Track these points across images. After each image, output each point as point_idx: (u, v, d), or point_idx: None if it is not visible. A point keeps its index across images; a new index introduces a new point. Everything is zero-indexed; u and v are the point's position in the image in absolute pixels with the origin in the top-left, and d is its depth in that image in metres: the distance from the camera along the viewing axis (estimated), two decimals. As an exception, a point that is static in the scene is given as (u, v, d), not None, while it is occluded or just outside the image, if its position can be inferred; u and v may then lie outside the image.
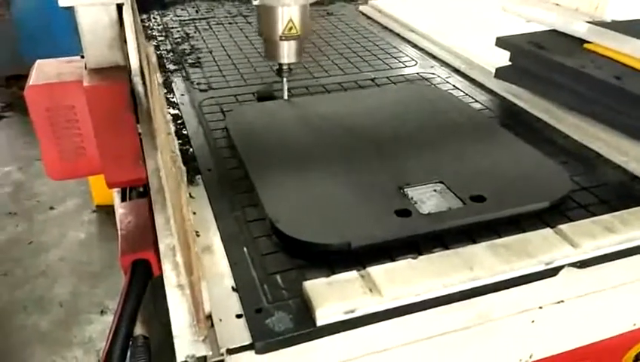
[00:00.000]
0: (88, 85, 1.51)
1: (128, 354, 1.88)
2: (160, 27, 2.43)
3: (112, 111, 1.54)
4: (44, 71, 1.67)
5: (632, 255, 1.12)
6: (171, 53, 2.12)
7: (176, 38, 2.28)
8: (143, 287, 1.94)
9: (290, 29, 1.47)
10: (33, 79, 1.62)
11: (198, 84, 1.85)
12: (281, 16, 1.46)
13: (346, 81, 1.87)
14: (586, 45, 1.65)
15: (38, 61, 1.71)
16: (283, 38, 1.48)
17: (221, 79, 1.88)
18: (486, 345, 1.15)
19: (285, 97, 1.64)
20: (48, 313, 2.26)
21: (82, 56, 1.71)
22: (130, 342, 1.90)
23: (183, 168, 0.80)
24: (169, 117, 1.02)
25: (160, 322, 2.01)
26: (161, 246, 1.20)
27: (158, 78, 1.11)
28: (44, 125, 1.59)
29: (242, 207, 1.23)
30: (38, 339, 2.13)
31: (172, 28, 2.40)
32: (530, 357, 1.24)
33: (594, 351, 1.37)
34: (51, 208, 2.97)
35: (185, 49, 2.16)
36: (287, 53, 1.52)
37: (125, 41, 1.63)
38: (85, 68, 1.63)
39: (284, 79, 1.61)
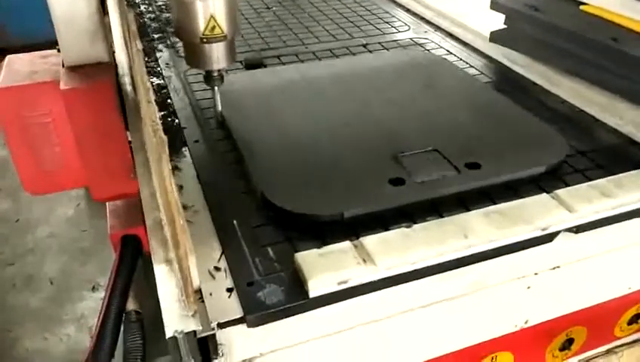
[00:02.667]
0: (66, 88, 1.31)
1: (121, 329, 1.88)
2: (143, -6, 2.35)
3: (95, 117, 1.34)
4: (14, 69, 1.45)
5: (627, 219, 1.11)
6: (155, 22, 2.05)
7: (159, 6, 2.20)
8: (134, 262, 1.92)
9: (214, 28, 1.17)
10: (1, 80, 1.41)
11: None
12: (200, 12, 1.15)
13: (337, 48, 1.82)
14: (582, 7, 1.61)
15: (9, 57, 1.50)
16: (205, 40, 1.18)
17: (207, 47, 1.83)
18: (481, 312, 1.14)
19: (219, 109, 1.36)
20: (39, 290, 2.24)
21: (59, 50, 1.48)
22: (123, 317, 1.90)
23: (164, 138, 0.77)
24: (148, 85, 0.97)
25: (152, 296, 2.00)
26: (148, 221, 1.17)
27: (138, 44, 1.06)
28: (16, 133, 1.39)
29: (231, 178, 1.20)
30: (30, 317, 2.12)
31: (155, -3, 2.32)
32: (526, 322, 1.24)
33: (589, 315, 1.37)
34: (37, 184, 2.92)
35: (169, 17, 2.09)
36: (213, 57, 1.22)
37: (110, 33, 1.44)
38: (62, 65, 1.42)
39: (216, 88, 1.32)
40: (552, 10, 1.59)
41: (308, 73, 1.61)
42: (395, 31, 1.96)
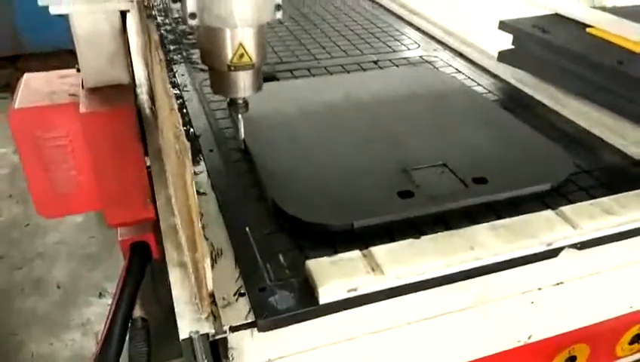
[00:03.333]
0: (86, 111, 1.28)
1: (127, 336, 1.89)
2: (160, 7, 2.41)
3: (114, 141, 1.31)
4: (32, 89, 1.41)
5: (629, 237, 1.13)
6: (171, 34, 2.10)
7: (176, 18, 2.26)
8: (142, 269, 1.94)
9: (242, 56, 1.15)
10: (19, 100, 1.37)
11: (198, 64, 1.83)
12: (228, 40, 1.13)
13: (348, 63, 1.86)
14: (588, 30, 1.65)
15: (26, 75, 1.47)
16: (232, 68, 1.16)
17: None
18: (485, 326, 1.16)
19: (242, 137, 1.33)
20: (46, 295, 2.26)
21: (78, 70, 1.46)
22: (130, 324, 1.91)
23: (187, 144, 0.80)
24: (172, 92, 1.00)
25: (159, 304, 2.02)
26: (163, 226, 1.20)
27: (160, 54, 1.10)
28: (32, 155, 1.35)
29: (245, 187, 1.23)
30: (36, 321, 2.14)
31: (172, 8, 2.38)
32: (529, 338, 1.25)
33: (591, 333, 1.38)
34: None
35: (185, 29, 2.15)
36: (240, 85, 1.20)
37: (130, 55, 1.41)
38: (82, 86, 1.39)
39: (240, 116, 1.29)
40: (558, 32, 1.64)
41: (320, 87, 1.66)
42: (405, 48, 2.01)
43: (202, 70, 1.78)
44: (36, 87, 1.41)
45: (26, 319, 2.14)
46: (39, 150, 1.35)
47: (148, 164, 1.39)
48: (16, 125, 1.31)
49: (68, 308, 2.19)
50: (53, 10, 1.25)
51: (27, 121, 1.32)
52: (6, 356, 2.01)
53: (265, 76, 1.74)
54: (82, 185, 1.42)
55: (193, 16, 1.10)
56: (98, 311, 2.17)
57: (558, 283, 1.17)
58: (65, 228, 2.65)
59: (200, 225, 0.84)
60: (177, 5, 1.12)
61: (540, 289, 1.16)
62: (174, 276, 1.04)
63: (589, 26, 1.66)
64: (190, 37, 2.06)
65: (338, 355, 1.04)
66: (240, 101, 1.24)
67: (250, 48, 1.15)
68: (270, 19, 1.15)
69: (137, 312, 1.90)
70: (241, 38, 1.13)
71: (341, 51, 1.96)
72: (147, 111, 1.40)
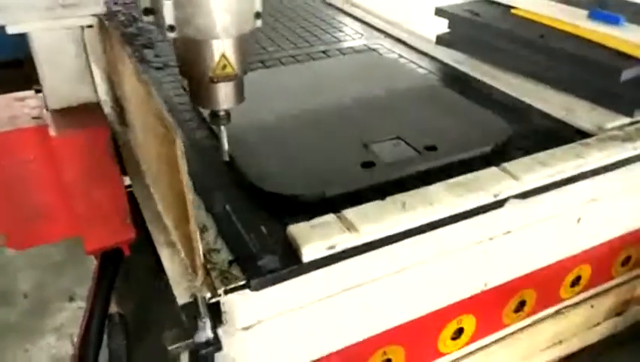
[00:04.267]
0: (58, 135, 1.23)
1: (105, 331, 1.93)
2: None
3: (90, 163, 1.27)
4: None
5: (563, 185, 1.30)
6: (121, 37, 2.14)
7: (122, 21, 2.29)
8: (116, 266, 1.98)
9: (224, 67, 1.12)
10: None
11: (153, 63, 1.89)
12: (210, 52, 1.10)
13: (298, 54, 1.97)
14: (513, 11, 1.84)
15: None
16: (215, 79, 1.13)
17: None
18: (448, 276, 1.31)
19: (225, 147, 1.26)
20: (15, 305, 2.25)
21: (37, 91, 1.41)
22: (107, 320, 1.95)
23: (171, 120, 0.88)
24: (146, 78, 1.07)
25: (134, 299, 2.07)
26: (146, 214, 1.27)
27: (128, 50, 1.16)
28: (1, 185, 1.29)
29: (219, 171, 1.32)
30: (9, 330, 2.13)
31: (116, 11, 2.41)
32: (485, 285, 1.41)
33: (537, 278, 1.56)
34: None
35: (132, 32, 2.19)
36: (222, 96, 1.16)
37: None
38: (46, 108, 1.34)
39: (222, 127, 1.23)
40: (487, 15, 1.81)
41: (277, 77, 1.76)
42: (350, 38, 2.14)
43: (157, 69, 1.85)
44: None
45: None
46: (4, 178, 1.28)
47: (126, 183, 1.34)
48: None
49: (40, 314, 2.19)
50: (11, 30, 1.19)
51: None
52: (-19, 368, 2.00)
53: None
54: (54, 212, 1.35)
55: (172, 28, 1.06)
56: (70, 315, 2.18)
57: (506, 233, 1.33)
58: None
59: (191, 197, 0.92)
60: (150, 18, 1.09)
61: (491, 238, 1.31)
62: (165, 254, 1.12)
63: (513, 7, 1.85)
64: (139, 38, 2.11)
65: (321, 313, 1.15)
66: (222, 113, 1.20)
67: (233, 59, 1.12)
68: (251, 28, 1.12)
69: (114, 308, 1.95)
70: (222, 48, 1.10)
71: (291, 43, 2.07)
72: (115, 126, 1.33)
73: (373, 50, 2.02)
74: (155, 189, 1.24)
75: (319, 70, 1.81)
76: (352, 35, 2.16)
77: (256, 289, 1.01)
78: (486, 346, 1.65)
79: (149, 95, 1.01)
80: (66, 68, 1.30)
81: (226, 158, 1.26)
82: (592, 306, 1.83)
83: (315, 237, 1.05)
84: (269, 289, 1.03)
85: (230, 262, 1.05)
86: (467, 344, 1.59)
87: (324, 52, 1.99)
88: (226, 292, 0.99)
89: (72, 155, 1.26)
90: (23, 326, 2.15)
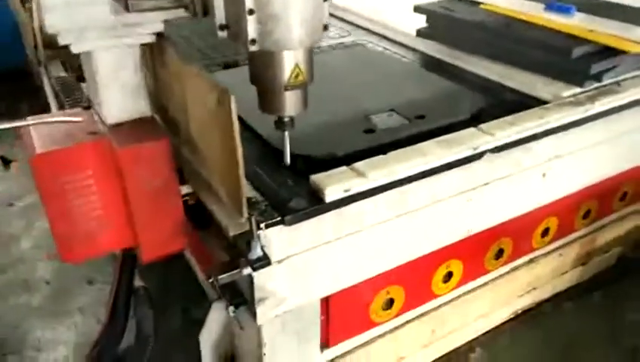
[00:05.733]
0: (126, 149, 1.26)
1: (132, 302, 2.13)
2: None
3: (153, 176, 1.30)
4: (46, 133, 1.35)
5: (529, 141, 1.58)
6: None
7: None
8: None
9: (297, 76, 1.22)
10: (38, 144, 1.30)
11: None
12: (286, 62, 1.20)
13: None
14: (481, 6, 2.13)
15: (29, 118, 1.40)
16: (288, 87, 1.23)
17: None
18: (439, 222, 1.56)
19: (288, 153, 1.38)
20: (38, 291, 2.41)
21: (87, 107, 1.48)
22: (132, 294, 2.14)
23: (224, 86, 1.10)
24: (195, 65, 1.28)
25: (157, 274, 2.27)
26: (194, 185, 1.47)
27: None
28: (58, 200, 1.31)
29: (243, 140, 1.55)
30: (34, 314, 2.28)
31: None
32: (469, 231, 1.67)
33: (512, 227, 1.84)
34: (10, 205, 3.06)
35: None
36: (292, 103, 1.27)
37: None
38: (102, 123, 1.38)
39: (286, 133, 1.34)
40: (460, 10, 2.11)
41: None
42: (338, 36, 2.41)
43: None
44: (49, 131, 1.35)
45: (23, 313, 2.28)
46: (65, 195, 1.30)
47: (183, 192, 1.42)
48: (39, 172, 1.26)
49: (62, 298, 2.35)
50: (76, 49, 1.24)
51: (52, 165, 1.27)
52: (15, 345, 2.17)
53: (228, 63, 2.08)
54: (111, 224, 1.38)
55: (253, 42, 1.14)
56: (92, 297, 2.35)
57: (485, 183, 1.59)
58: (37, 234, 2.78)
59: (241, 150, 1.15)
60: (224, 33, 1.21)
61: (473, 188, 1.58)
62: (214, 207, 1.34)
63: (482, 3, 2.15)
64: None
65: (338, 252, 1.39)
66: (287, 119, 1.30)
67: (304, 67, 1.23)
68: (320, 39, 1.23)
69: (138, 282, 2.14)
70: (297, 59, 1.20)
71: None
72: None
73: (362, 45, 2.29)
74: (199, 157, 1.44)
75: (318, 62, 2.07)
76: (340, 33, 2.43)
77: (290, 223, 1.25)
78: (472, 290, 1.92)
79: (197, 75, 1.23)
80: (125, 84, 1.34)
81: (288, 162, 1.38)
82: (560, 255, 2.13)
83: (334, 182, 1.30)
84: (299, 225, 1.28)
85: (266, 206, 1.29)
86: (456, 287, 1.86)
87: (317, 47, 2.26)
88: (267, 226, 1.23)
89: (134, 168, 1.28)
90: (47, 308, 2.32)
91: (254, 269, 1.21)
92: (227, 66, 2.07)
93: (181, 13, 1.35)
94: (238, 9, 1.13)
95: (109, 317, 2.08)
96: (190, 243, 1.54)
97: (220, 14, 1.19)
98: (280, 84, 1.22)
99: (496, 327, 2.12)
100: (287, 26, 1.14)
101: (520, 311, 2.17)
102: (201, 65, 1.34)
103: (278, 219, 1.25)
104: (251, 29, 1.13)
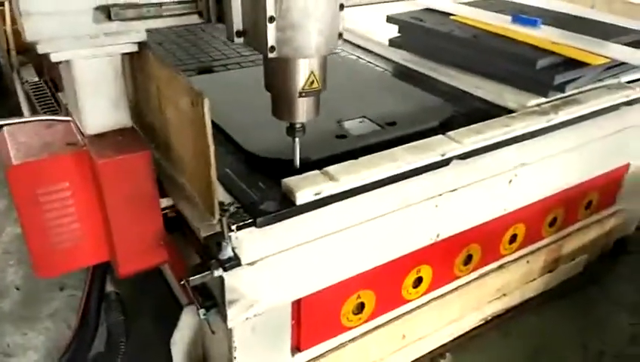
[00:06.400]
0: (105, 160, 1.23)
1: (103, 308, 2.11)
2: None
3: (132, 188, 1.28)
4: (22, 142, 1.31)
5: (495, 149, 1.63)
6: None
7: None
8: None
9: (312, 83, 1.26)
10: (14, 155, 1.26)
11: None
12: (301, 69, 1.24)
13: (271, 58, 2.26)
14: (451, 17, 2.20)
15: (6, 129, 1.36)
16: (303, 94, 1.27)
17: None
18: (408, 226, 1.59)
19: (297, 158, 1.41)
20: (8, 296, 2.38)
21: (68, 116, 1.46)
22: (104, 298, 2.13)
23: (198, 88, 1.13)
24: (174, 67, 1.29)
25: (129, 279, 2.26)
26: (168, 186, 1.48)
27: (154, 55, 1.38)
28: (34, 212, 1.27)
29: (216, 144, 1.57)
30: (4, 319, 2.25)
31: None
32: (438, 236, 1.71)
33: (480, 234, 1.88)
34: (-21, 212, 3.01)
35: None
36: (305, 110, 1.31)
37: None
38: (80, 133, 1.35)
39: (297, 139, 1.37)
40: (431, 21, 2.16)
41: (253, 74, 2.04)
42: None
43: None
44: (26, 139, 1.32)
45: (-9, 319, 2.26)
46: (41, 206, 1.27)
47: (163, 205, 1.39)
48: (15, 183, 1.23)
49: (33, 303, 2.32)
50: (55, 58, 1.22)
51: (28, 177, 1.24)
52: (-18, 352, 2.13)
53: (203, 69, 2.11)
54: (87, 238, 1.36)
55: (272, 49, 1.17)
56: (63, 302, 2.32)
57: (453, 190, 1.64)
58: (7, 239, 2.74)
59: (213, 151, 1.17)
60: (240, 40, 1.23)
61: (440, 195, 1.62)
62: (185, 208, 1.36)
63: (452, 15, 2.21)
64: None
65: (309, 255, 1.41)
66: (298, 125, 1.34)
67: (319, 75, 1.27)
68: (335, 47, 1.26)
69: (110, 287, 2.13)
70: (312, 66, 1.24)
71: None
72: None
73: (336, 53, 2.33)
74: (175, 160, 1.45)
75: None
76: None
77: (261, 225, 1.27)
78: (442, 296, 1.96)
79: (175, 76, 1.25)
80: (105, 94, 1.31)
81: (297, 166, 1.40)
82: (527, 262, 2.18)
83: (305, 185, 1.32)
84: (270, 228, 1.29)
85: (238, 208, 1.31)
86: (426, 292, 1.89)
87: (292, 55, 2.29)
88: (238, 228, 1.25)
89: (114, 180, 1.25)
90: (18, 314, 2.29)
91: (225, 270, 1.22)
92: (201, 72, 2.10)
93: (194, 19, 1.35)
94: (258, 16, 1.16)
95: (80, 322, 2.06)
96: (167, 247, 1.55)
97: (237, 21, 1.22)
98: (295, 90, 1.26)
99: (467, 333, 2.15)
100: (306, 34, 1.17)
101: (490, 317, 2.21)
102: (177, 69, 1.34)
103: (250, 221, 1.27)
104: (271, 36, 1.16)
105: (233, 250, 1.23)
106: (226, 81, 1.97)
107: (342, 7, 1.22)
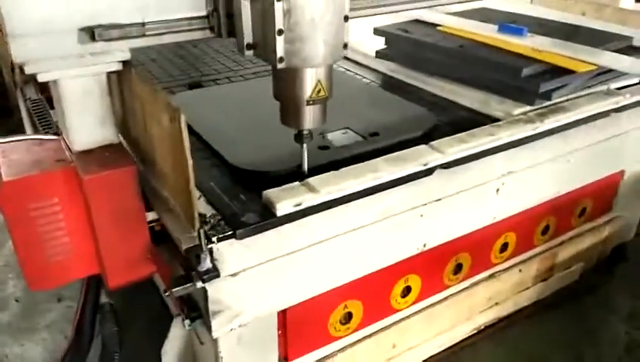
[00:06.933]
0: (90, 176, 1.27)
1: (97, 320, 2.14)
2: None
3: (118, 203, 1.32)
4: (14, 160, 1.35)
5: (480, 158, 1.63)
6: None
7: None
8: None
9: (319, 91, 1.32)
10: (5, 171, 1.30)
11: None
12: (308, 78, 1.30)
13: (260, 71, 2.29)
14: (438, 28, 2.22)
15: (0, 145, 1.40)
16: (310, 102, 1.33)
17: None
18: (393, 235, 1.60)
19: (306, 165, 1.46)
20: (7, 309, 2.42)
21: (56, 133, 1.50)
22: (98, 310, 2.16)
23: (176, 105, 1.15)
24: (156, 86, 1.32)
25: (122, 289, 2.28)
26: (153, 200, 1.50)
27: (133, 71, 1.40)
28: (25, 227, 1.31)
29: (199, 158, 1.59)
30: (4, 331, 2.29)
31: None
32: (424, 246, 1.71)
33: (470, 242, 1.88)
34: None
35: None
36: (312, 117, 1.37)
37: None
38: (69, 150, 1.38)
39: (304, 145, 1.42)
40: (417, 32, 2.18)
41: (245, 89, 2.07)
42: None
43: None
44: (17, 157, 1.36)
45: (-8, 330, 2.29)
46: (32, 222, 1.30)
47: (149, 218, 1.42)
48: (6, 199, 1.27)
49: (31, 315, 2.35)
50: (42, 78, 1.25)
51: (20, 193, 1.28)
52: (-20, 363, 2.16)
53: (193, 84, 2.14)
54: (78, 251, 1.40)
55: (281, 60, 1.24)
56: (60, 314, 2.35)
57: (437, 199, 1.65)
58: (7, 253, 2.78)
59: (192, 165, 1.19)
60: (250, 52, 1.30)
61: (425, 204, 1.62)
62: (167, 219, 1.38)
63: (439, 25, 2.23)
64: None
65: (292, 265, 1.43)
66: (306, 132, 1.39)
67: (326, 84, 1.33)
68: (341, 57, 1.33)
69: (104, 299, 2.16)
70: (319, 75, 1.31)
71: (251, 63, 2.39)
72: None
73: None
74: (158, 174, 1.48)
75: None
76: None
77: (241, 237, 1.28)
78: (432, 305, 1.96)
79: (156, 93, 1.28)
80: (91, 111, 1.35)
81: (306, 171, 1.45)
82: (520, 270, 2.17)
83: (285, 197, 1.34)
84: (250, 239, 1.31)
85: (219, 220, 1.33)
86: (415, 302, 1.90)
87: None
88: (219, 240, 1.26)
89: (101, 195, 1.29)
90: (17, 325, 2.32)
91: (203, 281, 1.24)
92: (191, 87, 2.13)
93: (206, 34, 1.42)
94: (268, 30, 1.23)
95: (75, 334, 2.09)
96: (155, 259, 1.58)
97: (247, 34, 1.29)
98: (303, 98, 1.33)
99: (459, 342, 2.15)
100: (313, 45, 1.24)
101: (483, 327, 2.21)
102: (158, 86, 1.37)
103: (230, 233, 1.28)
104: (280, 48, 1.23)
105: (213, 261, 1.25)
106: (214, 96, 2.00)
107: (346, 18, 1.29)
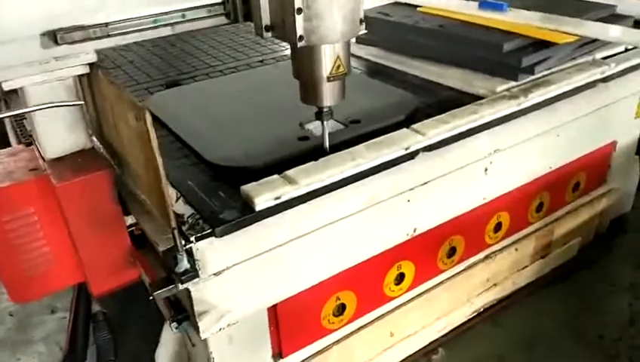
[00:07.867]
0: (63, 183, 1.25)
1: (91, 328, 2.12)
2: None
3: (94, 208, 1.29)
4: None
5: (464, 138, 1.59)
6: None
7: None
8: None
9: (339, 67, 1.33)
10: None
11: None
12: (328, 55, 1.31)
13: (240, 65, 2.25)
14: (418, 9, 2.17)
15: None
16: (331, 78, 1.34)
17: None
18: (381, 223, 1.57)
19: (327, 141, 1.47)
20: (1, 323, 2.39)
21: (29, 144, 1.47)
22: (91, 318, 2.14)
23: (141, 104, 1.12)
24: (118, 87, 1.29)
25: (114, 297, 2.26)
26: (130, 203, 1.48)
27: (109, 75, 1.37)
28: (1, 241, 1.29)
29: (178, 158, 1.56)
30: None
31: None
32: (415, 231, 1.68)
33: (462, 224, 1.85)
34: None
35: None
36: (332, 94, 1.38)
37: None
38: (42, 159, 1.36)
39: (325, 123, 1.44)
40: (397, 14, 2.14)
41: (225, 83, 2.03)
42: (282, 49, 2.43)
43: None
44: None
45: (-13, 346, 2.27)
46: (6, 235, 1.28)
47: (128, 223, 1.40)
48: None
49: (25, 328, 2.33)
50: (7, 86, 1.22)
51: None
52: (-24, 381, 2.14)
53: (169, 83, 2.10)
54: (59, 260, 1.37)
55: (301, 38, 1.26)
56: (55, 326, 2.32)
57: (424, 183, 1.61)
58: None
59: (160, 159, 1.15)
60: (268, 34, 1.33)
61: (411, 189, 1.59)
62: (143, 220, 1.35)
63: (419, 6, 2.19)
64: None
65: (278, 260, 1.40)
66: (326, 109, 1.41)
67: (345, 59, 1.35)
68: (358, 32, 1.34)
69: (97, 307, 2.14)
70: (338, 52, 1.33)
71: (230, 58, 2.35)
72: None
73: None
74: (132, 176, 1.46)
75: (260, 74, 2.10)
76: (283, 46, 2.46)
77: (221, 235, 1.25)
78: (427, 290, 1.93)
79: (121, 93, 1.24)
80: (61, 117, 1.32)
81: (327, 148, 1.46)
82: (516, 250, 2.14)
83: (264, 191, 1.30)
84: (231, 236, 1.27)
85: (198, 219, 1.29)
86: (410, 288, 1.86)
87: (261, 61, 2.29)
88: (197, 239, 1.23)
89: (76, 202, 1.27)
90: (12, 339, 2.30)
91: (182, 282, 1.21)
92: (169, 86, 2.09)
93: (222, 20, 1.47)
94: (286, 9, 1.25)
95: (69, 344, 2.07)
96: (141, 263, 1.55)
97: (265, 16, 1.31)
98: (323, 75, 1.34)
99: (458, 326, 2.12)
100: (331, 22, 1.27)
101: (482, 309, 2.18)
102: (124, 87, 1.34)
103: (209, 231, 1.25)
104: (299, 26, 1.25)
105: (191, 261, 1.22)
106: (192, 94, 1.96)
107: None
